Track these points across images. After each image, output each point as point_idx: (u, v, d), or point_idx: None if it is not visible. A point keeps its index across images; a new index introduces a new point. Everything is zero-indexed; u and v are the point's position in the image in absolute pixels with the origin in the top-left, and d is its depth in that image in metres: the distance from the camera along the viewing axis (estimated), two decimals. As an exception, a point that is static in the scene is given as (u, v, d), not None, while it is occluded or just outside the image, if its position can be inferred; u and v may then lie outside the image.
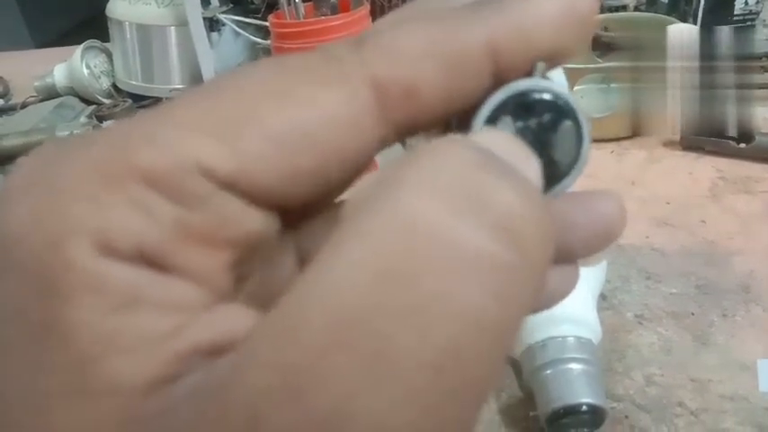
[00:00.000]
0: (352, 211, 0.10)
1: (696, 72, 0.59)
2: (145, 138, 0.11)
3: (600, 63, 0.64)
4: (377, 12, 0.72)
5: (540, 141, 0.13)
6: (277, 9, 0.64)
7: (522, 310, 0.10)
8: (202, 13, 0.73)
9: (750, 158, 0.60)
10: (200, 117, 0.11)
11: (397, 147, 0.14)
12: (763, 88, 0.63)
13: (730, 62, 0.59)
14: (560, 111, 0.13)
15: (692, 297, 0.45)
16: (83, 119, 0.78)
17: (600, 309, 0.43)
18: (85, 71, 0.84)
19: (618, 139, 0.66)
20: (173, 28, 0.79)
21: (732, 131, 0.60)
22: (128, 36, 0.81)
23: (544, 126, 0.13)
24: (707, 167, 0.61)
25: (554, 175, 0.13)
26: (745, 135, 0.60)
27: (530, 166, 0.12)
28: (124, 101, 0.81)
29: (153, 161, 0.11)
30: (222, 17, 0.76)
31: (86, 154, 0.11)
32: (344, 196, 0.14)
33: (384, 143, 0.13)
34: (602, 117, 0.64)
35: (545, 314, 0.37)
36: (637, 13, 0.73)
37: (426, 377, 0.09)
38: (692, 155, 0.62)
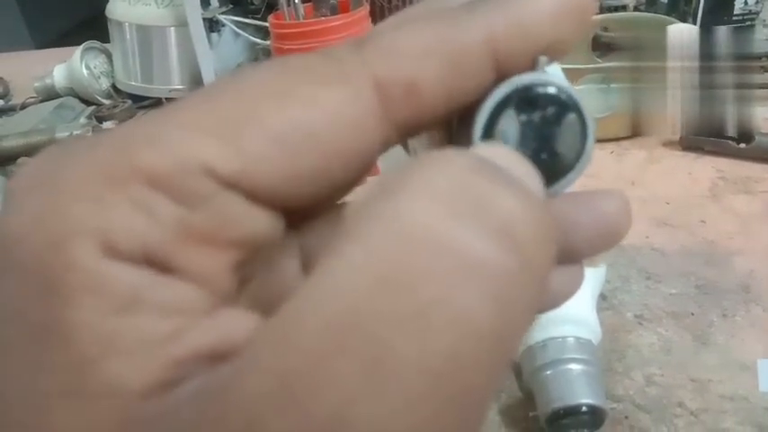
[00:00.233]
0: (354, 216, 0.10)
1: (696, 72, 0.59)
2: (147, 139, 0.11)
3: (600, 63, 0.64)
4: (377, 12, 0.72)
5: (544, 135, 0.13)
6: (277, 10, 0.64)
7: (524, 315, 0.10)
8: (202, 14, 0.73)
9: (750, 158, 0.60)
10: (201, 118, 0.11)
11: (400, 151, 0.14)
12: (762, 88, 0.63)
13: (730, 62, 0.59)
14: (564, 104, 0.13)
15: (692, 297, 0.45)
16: (82, 119, 0.78)
17: (600, 309, 0.43)
18: (85, 72, 0.84)
19: (618, 139, 0.66)
20: (172, 29, 0.79)
21: (732, 131, 0.60)
22: (127, 37, 0.81)
23: (548, 120, 0.13)
24: (707, 167, 0.61)
25: (559, 169, 0.13)
26: (745, 135, 0.60)
27: (530, 174, 0.12)
28: (124, 101, 0.81)
29: (155, 162, 0.11)
30: (222, 18, 0.76)
31: (89, 156, 0.11)
32: (348, 198, 0.14)
33: (387, 143, 0.13)
34: (602, 117, 0.64)
35: (545, 314, 0.37)
36: (637, 13, 0.73)
37: (426, 384, 0.09)
38: (692, 155, 0.62)
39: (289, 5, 0.62)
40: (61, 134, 0.67)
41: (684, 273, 0.48)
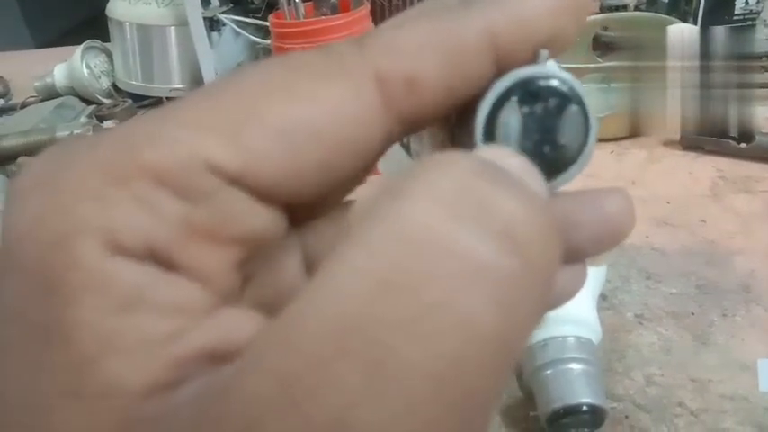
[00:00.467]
0: (357, 219, 0.10)
1: (696, 72, 0.59)
2: (150, 136, 0.11)
3: (600, 63, 0.64)
4: (377, 12, 0.72)
5: (547, 127, 0.13)
6: (277, 9, 0.64)
7: (528, 319, 0.10)
8: (202, 13, 0.73)
9: (750, 158, 0.60)
10: (203, 115, 0.11)
11: (400, 153, 0.14)
12: (763, 88, 0.63)
13: (730, 62, 0.59)
14: (566, 96, 0.13)
15: (692, 297, 0.45)
16: (83, 119, 0.78)
17: (600, 309, 0.43)
18: (85, 71, 0.84)
19: (618, 139, 0.66)
20: (173, 28, 0.78)
21: (732, 131, 0.60)
22: (128, 36, 0.81)
23: (550, 112, 0.13)
24: (707, 167, 0.60)
25: (561, 161, 0.13)
26: (746, 135, 0.60)
27: (533, 175, 0.12)
28: (124, 101, 0.81)
29: (158, 159, 0.11)
30: (222, 17, 0.76)
31: (91, 154, 0.11)
32: (349, 197, 0.14)
33: (389, 139, 0.13)
34: (602, 117, 0.64)
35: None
36: (637, 13, 0.73)
37: (428, 388, 0.09)
38: (692, 154, 0.62)
39: (289, 5, 0.62)
40: (62, 133, 0.67)
41: (685, 272, 0.48)
